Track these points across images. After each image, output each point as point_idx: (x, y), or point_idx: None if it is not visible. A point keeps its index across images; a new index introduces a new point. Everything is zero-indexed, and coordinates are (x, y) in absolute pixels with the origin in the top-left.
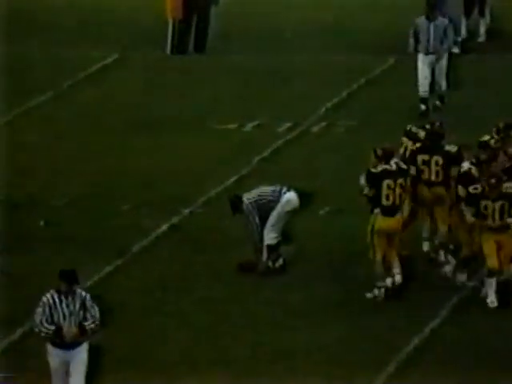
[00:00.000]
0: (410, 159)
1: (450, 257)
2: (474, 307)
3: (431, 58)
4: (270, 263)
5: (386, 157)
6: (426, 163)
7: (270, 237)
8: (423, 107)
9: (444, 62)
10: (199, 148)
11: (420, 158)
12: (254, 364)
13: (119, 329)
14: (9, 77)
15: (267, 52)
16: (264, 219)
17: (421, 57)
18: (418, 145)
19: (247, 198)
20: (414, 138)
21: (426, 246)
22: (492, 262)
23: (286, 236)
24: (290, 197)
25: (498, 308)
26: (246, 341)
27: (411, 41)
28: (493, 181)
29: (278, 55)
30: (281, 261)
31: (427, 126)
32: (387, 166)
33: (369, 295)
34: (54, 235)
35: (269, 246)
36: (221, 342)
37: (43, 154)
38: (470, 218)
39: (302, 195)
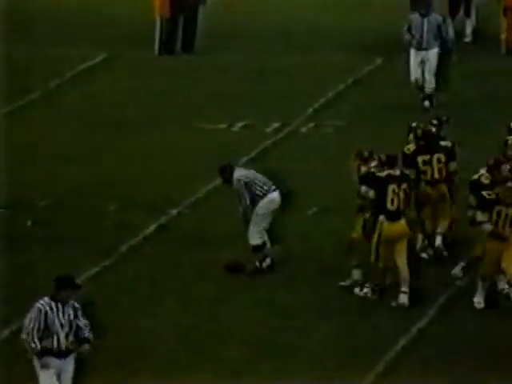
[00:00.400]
0: (409, 162)
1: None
2: (461, 307)
3: (424, 53)
4: (257, 263)
5: (390, 162)
6: (428, 163)
7: (254, 237)
8: (426, 104)
9: (434, 59)
10: (187, 148)
11: (420, 159)
12: (241, 364)
13: (107, 328)
14: None
15: (255, 52)
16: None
17: (413, 52)
18: (413, 147)
19: (240, 174)
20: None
21: (438, 240)
22: (489, 269)
23: (272, 236)
24: (273, 196)
25: (484, 309)
26: (232, 341)
27: (406, 36)
28: (510, 184)
29: (265, 55)
30: (268, 261)
31: (434, 122)
32: (391, 171)
33: (357, 291)
34: (42, 235)
35: (254, 247)
36: (208, 342)
37: (30, 154)
38: (487, 226)
39: (284, 195)
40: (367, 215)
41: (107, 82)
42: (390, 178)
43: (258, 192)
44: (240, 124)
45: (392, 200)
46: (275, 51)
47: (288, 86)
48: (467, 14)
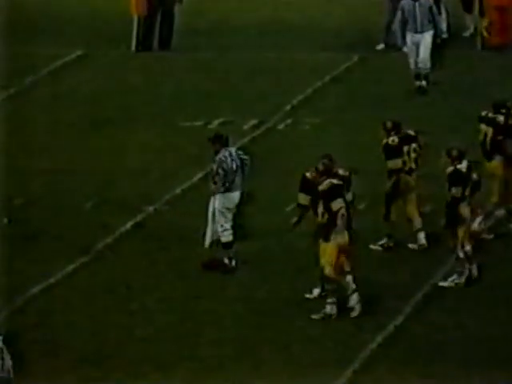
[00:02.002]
0: (497, 146)
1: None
2: (436, 304)
3: (419, 37)
4: (227, 260)
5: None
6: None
7: (223, 234)
8: (421, 83)
9: (429, 40)
10: (164, 145)
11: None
12: (219, 361)
13: (83, 327)
14: None
15: (232, 50)
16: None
17: (409, 36)
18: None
19: (225, 155)
20: (493, 123)
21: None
22: None
23: (242, 232)
24: (231, 196)
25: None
26: (210, 338)
27: (396, 24)
28: None
29: (242, 53)
30: (234, 262)
31: (503, 111)
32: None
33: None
34: (18, 233)
35: (224, 244)
36: (185, 340)
37: (4, 151)
38: None
39: (243, 194)
40: None
41: (82, 79)
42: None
43: (224, 188)
44: (217, 121)
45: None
46: (252, 49)
47: (265, 84)
48: (468, 10)
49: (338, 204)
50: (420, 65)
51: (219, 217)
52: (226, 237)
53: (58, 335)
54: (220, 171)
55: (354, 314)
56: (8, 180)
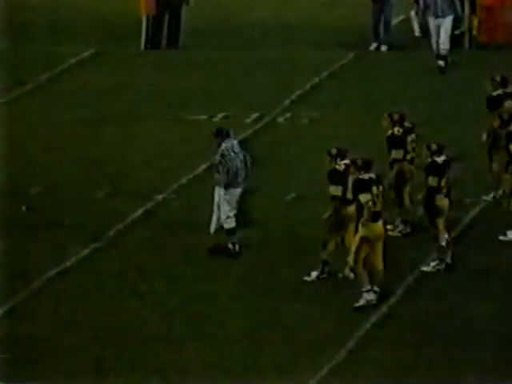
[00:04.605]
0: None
1: None
2: (427, 287)
3: (440, 20)
4: (231, 246)
5: (366, 166)
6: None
7: (226, 221)
8: (441, 63)
9: (449, 24)
10: (171, 138)
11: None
12: (224, 340)
13: (96, 308)
14: None
15: (235, 47)
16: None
17: (431, 20)
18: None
19: (227, 147)
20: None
21: None
22: None
23: (245, 219)
24: (235, 191)
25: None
26: (215, 318)
27: (421, 6)
28: None
29: (244, 51)
30: (237, 247)
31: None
32: (372, 175)
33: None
34: (35, 220)
35: (228, 230)
36: (192, 320)
37: (22, 144)
38: None
39: (246, 190)
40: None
41: (96, 76)
42: (373, 181)
43: (228, 177)
44: (221, 115)
45: (374, 202)
46: (254, 47)
47: (267, 80)
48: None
49: (365, 197)
50: (441, 46)
51: (224, 205)
52: (229, 224)
53: (72, 315)
54: (223, 161)
55: (358, 303)
56: (26, 171)
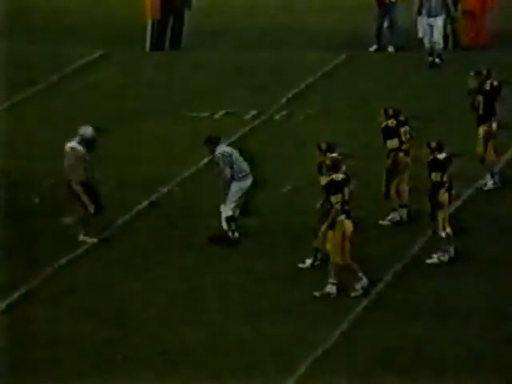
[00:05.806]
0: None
1: None
2: (415, 273)
3: (432, 20)
4: (230, 233)
5: (336, 166)
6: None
7: (226, 210)
8: (430, 59)
9: (440, 23)
10: (175, 133)
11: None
12: (225, 325)
13: (104, 293)
14: (7, 70)
15: (234, 49)
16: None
17: (425, 19)
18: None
19: (224, 149)
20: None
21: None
22: None
23: (246, 209)
24: (245, 184)
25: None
26: (216, 304)
27: (419, 5)
28: None
29: (244, 52)
30: (237, 234)
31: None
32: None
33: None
34: (48, 211)
35: (227, 218)
36: (194, 306)
37: (34, 140)
38: None
39: (255, 181)
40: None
41: (104, 76)
42: (344, 182)
43: (233, 174)
44: (221, 112)
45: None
46: (253, 49)
47: (264, 79)
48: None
49: (336, 198)
50: (434, 44)
51: (231, 196)
52: (226, 212)
53: (82, 300)
54: (221, 163)
55: (354, 294)
56: (39, 165)
